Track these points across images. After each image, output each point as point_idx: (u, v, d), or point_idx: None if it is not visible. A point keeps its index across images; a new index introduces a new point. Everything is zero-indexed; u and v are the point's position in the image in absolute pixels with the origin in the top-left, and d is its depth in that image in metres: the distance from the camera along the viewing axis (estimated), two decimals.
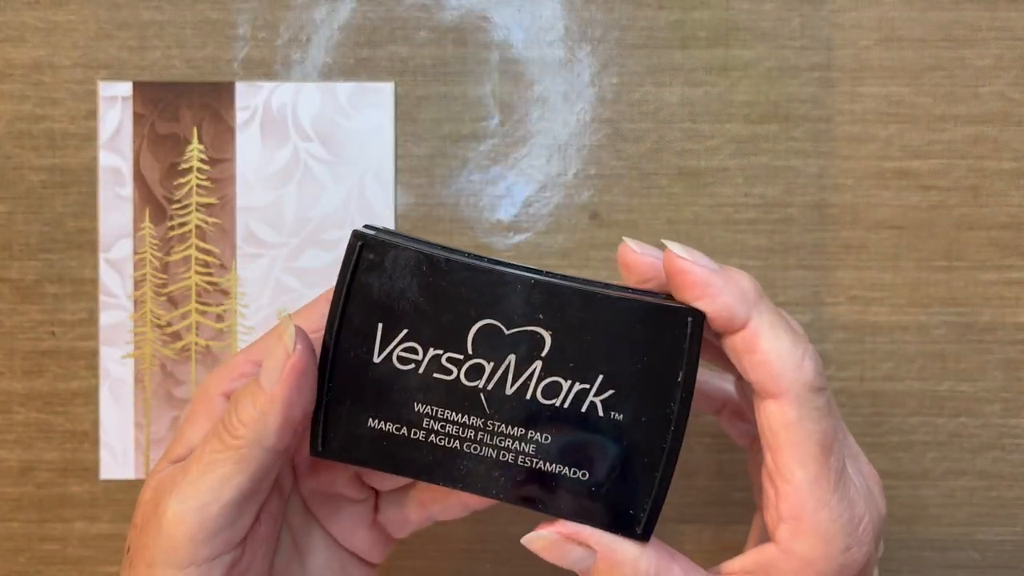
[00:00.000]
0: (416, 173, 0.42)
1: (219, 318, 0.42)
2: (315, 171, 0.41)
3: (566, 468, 0.28)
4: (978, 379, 0.42)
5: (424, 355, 0.28)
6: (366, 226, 0.29)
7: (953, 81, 0.41)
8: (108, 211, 0.42)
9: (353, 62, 0.41)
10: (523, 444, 0.28)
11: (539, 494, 0.28)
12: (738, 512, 0.41)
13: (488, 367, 0.28)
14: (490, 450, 0.28)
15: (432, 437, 0.28)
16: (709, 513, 0.41)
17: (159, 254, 0.42)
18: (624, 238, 0.30)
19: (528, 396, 0.28)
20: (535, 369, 0.28)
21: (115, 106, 0.42)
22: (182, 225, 0.42)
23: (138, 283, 0.42)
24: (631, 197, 0.42)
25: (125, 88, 0.42)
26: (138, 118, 0.42)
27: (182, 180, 0.42)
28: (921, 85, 0.41)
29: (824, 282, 0.42)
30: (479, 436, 0.28)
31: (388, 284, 0.28)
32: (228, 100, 0.41)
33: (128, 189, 0.42)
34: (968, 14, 0.41)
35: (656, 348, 0.27)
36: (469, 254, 0.28)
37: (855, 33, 0.41)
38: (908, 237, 0.41)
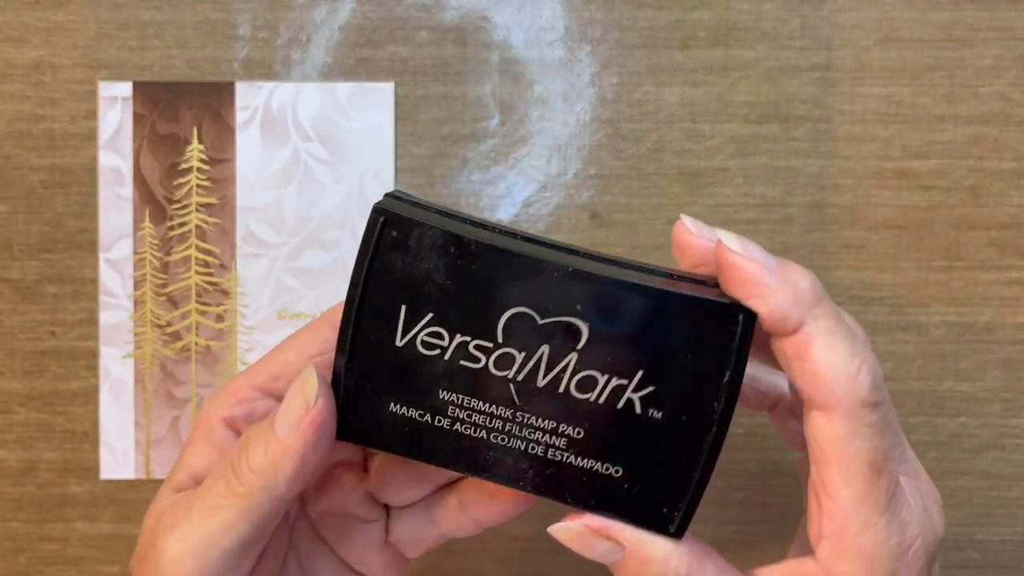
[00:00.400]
0: (416, 173, 0.42)
1: (219, 318, 0.42)
2: (315, 171, 0.41)
3: (598, 464, 0.27)
4: (978, 379, 0.42)
5: (450, 341, 0.26)
6: (390, 194, 0.27)
7: (953, 81, 0.41)
8: (108, 211, 0.42)
9: (353, 62, 0.41)
10: (554, 438, 0.27)
11: (568, 488, 0.27)
12: (738, 512, 0.41)
13: (519, 357, 0.26)
14: (518, 442, 0.27)
15: (457, 426, 0.27)
16: (709, 513, 0.41)
17: (159, 254, 0.42)
18: (682, 215, 0.27)
19: (561, 389, 0.26)
20: (570, 362, 0.26)
21: (115, 106, 0.42)
22: (182, 225, 0.42)
23: (138, 283, 0.42)
24: (631, 197, 0.42)
25: (125, 88, 0.42)
26: (138, 118, 0.42)
27: (182, 180, 0.42)
28: (921, 85, 0.41)
29: (824, 282, 0.41)
30: (507, 427, 0.27)
31: (412, 264, 0.26)
32: (228, 100, 0.41)
33: (128, 189, 0.42)
34: (968, 14, 0.41)
35: (702, 345, 0.26)
36: (502, 229, 0.27)
37: (855, 33, 0.41)
38: (908, 237, 0.41)
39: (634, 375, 0.26)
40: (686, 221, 0.27)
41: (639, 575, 0.27)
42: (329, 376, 0.27)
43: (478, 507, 0.30)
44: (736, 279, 0.25)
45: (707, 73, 0.41)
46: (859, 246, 0.41)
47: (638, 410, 0.26)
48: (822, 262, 0.41)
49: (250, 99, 0.41)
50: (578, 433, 0.27)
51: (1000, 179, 0.41)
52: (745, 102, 0.41)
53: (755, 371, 0.32)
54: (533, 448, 0.27)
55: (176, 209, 0.42)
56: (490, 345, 0.26)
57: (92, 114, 0.42)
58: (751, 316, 0.25)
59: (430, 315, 0.26)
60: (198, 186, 0.42)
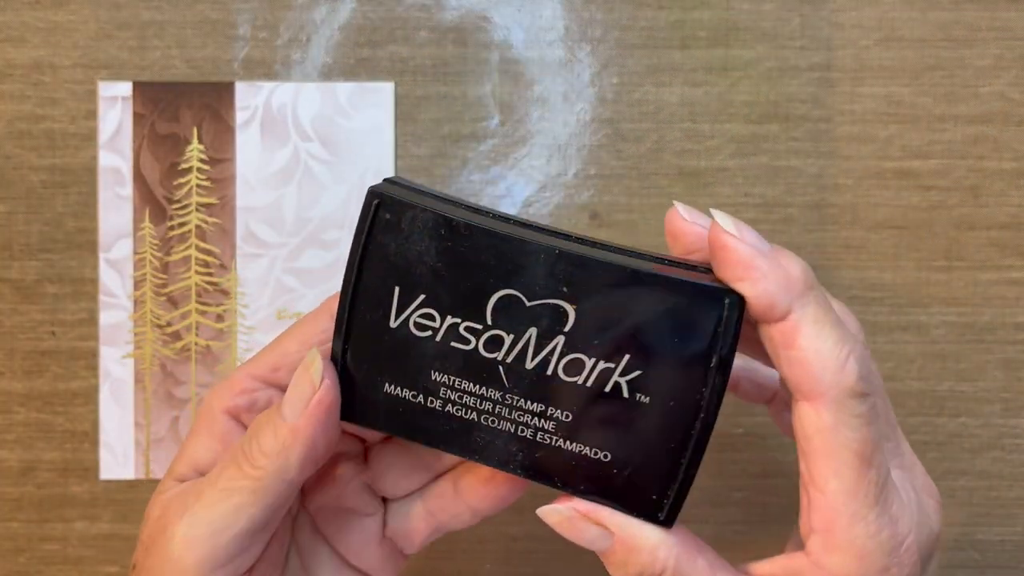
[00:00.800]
0: (416, 173, 0.42)
1: (219, 318, 0.42)
2: (315, 171, 0.41)
3: (587, 448, 0.27)
4: (978, 379, 0.42)
5: (441, 323, 0.27)
6: (388, 179, 0.28)
7: (953, 81, 0.41)
8: (108, 211, 0.42)
9: (353, 62, 0.41)
10: (542, 420, 0.27)
11: (557, 472, 0.27)
12: (738, 512, 0.41)
13: (508, 339, 0.26)
14: (508, 424, 0.27)
15: (449, 407, 0.27)
16: (709, 513, 0.41)
17: (159, 254, 0.42)
18: (675, 202, 0.27)
19: (549, 372, 0.26)
20: (557, 344, 0.26)
21: (115, 106, 0.42)
22: (182, 225, 0.42)
23: (138, 283, 0.42)
24: (631, 197, 0.42)
25: (125, 88, 0.42)
26: (138, 118, 0.42)
27: (182, 180, 0.42)
28: (921, 85, 0.41)
29: (824, 282, 0.41)
30: (497, 409, 0.27)
31: (405, 246, 0.26)
32: (228, 100, 0.41)
33: (128, 189, 0.42)
34: (968, 14, 0.41)
35: (689, 330, 0.25)
36: (495, 214, 0.27)
37: (855, 33, 0.41)
38: (908, 237, 0.41)
39: (621, 359, 0.26)
40: (679, 208, 0.27)
41: (627, 563, 0.27)
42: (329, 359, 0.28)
43: (473, 493, 0.30)
44: (728, 260, 0.25)
45: (707, 73, 0.41)
46: (859, 246, 0.41)
47: (625, 394, 0.26)
48: (822, 262, 0.41)
49: (250, 99, 0.41)
50: (566, 416, 0.27)
51: (1000, 179, 0.41)
52: (745, 102, 0.41)
53: (752, 363, 0.32)
54: (522, 431, 0.27)
55: (176, 209, 0.42)
56: (479, 327, 0.26)
57: (92, 114, 0.42)
58: (739, 300, 0.25)
59: (422, 296, 0.27)
60: (198, 186, 0.42)
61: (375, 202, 0.26)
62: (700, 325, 0.25)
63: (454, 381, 0.27)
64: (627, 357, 0.26)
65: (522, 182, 0.42)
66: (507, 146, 0.42)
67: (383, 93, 0.42)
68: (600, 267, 0.26)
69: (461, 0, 0.42)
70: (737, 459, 0.41)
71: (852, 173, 0.41)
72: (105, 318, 0.42)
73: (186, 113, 0.42)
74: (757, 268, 0.25)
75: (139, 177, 0.42)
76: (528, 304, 0.26)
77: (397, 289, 0.27)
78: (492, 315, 0.26)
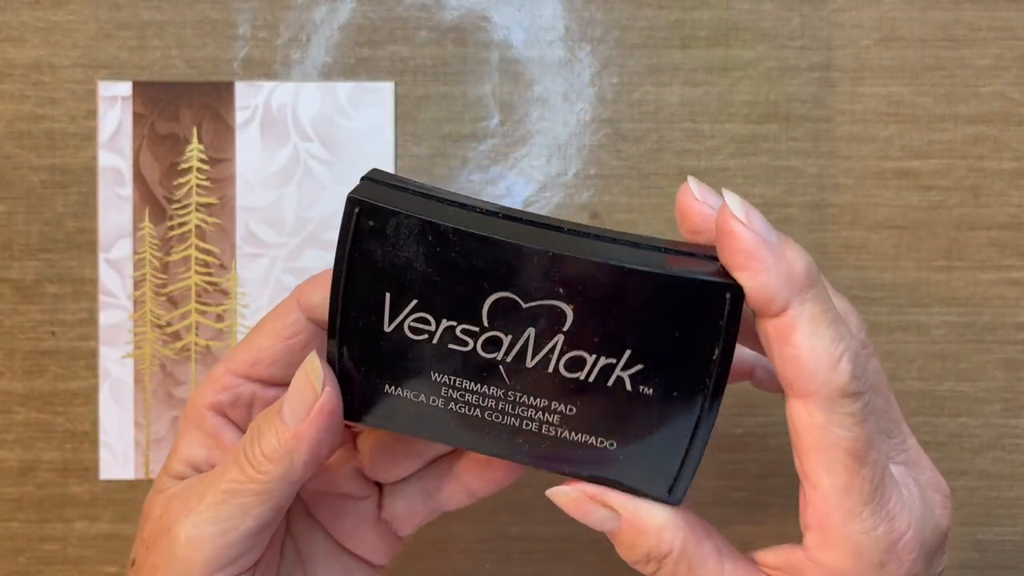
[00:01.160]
0: (416, 173, 0.42)
1: (219, 318, 0.42)
2: (315, 171, 0.41)
3: (592, 438, 0.27)
4: (978, 379, 0.42)
5: (437, 326, 0.26)
6: (367, 176, 0.27)
7: (953, 81, 0.41)
8: (108, 211, 0.42)
9: (353, 62, 0.41)
10: (546, 415, 0.27)
11: (565, 460, 0.27)
12: (738, 512, 0.41)
13: (506, 340, 0.26)
14: (512, 419, 0.27)
15: (452, 405, 0.27)
16: (709, 513, 0.41)
17: (159, 254, 0.42)
18: (689, 177, 0.26)
19: (550, 369, 0.26)
20: (556, 343, 0.26)
21: (115, 106, 0.42)
22: (182, 225, 0.42)
23: (138, 283, 0.42)
24: (631, 197, 0.42)
25: (125, 88, 0.42)
26: (138, 118, 0.42)
27: (182, 180, 0.42)
28: (921, 85, 0.41)
29: None
30: (500, 406, 0.27)
31: (392, 253, 0.26)
32: (228, 100, 0.41)
33: (128, 189, 0.42)
34: (968, 14, 0.41)
35: (689, 324, 0.25)
36: (482, 208, 0.26)
37: (855, 33, 0.41)
38: (908, 237, 0.41)
39: (622, 354, 0.26)
40: (692, 184, 0.26)
41: (635, 545, 0.27)
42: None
43: (471, 475, 0.31)
44: (731, 248, 0.25)
45: (707, 73, 0.41)
46: (859, 246, 0.41)
47: (629, 387, 0.26)
48: (822, 262, 0.41)
49: (250, 99, 0.41)
50: (570, 410, 0.27)
51: (1000, 179, 0.41)
52: (745, 102, 0.41)
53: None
54: (527, 424, 0.27)
55: (176, 209, 0.42)
56: (476, 329, 0.26)
57: (92, 114, 0.42)
58: (739, 293, 0.25)
59: (415, 302, 0.26)
60: (198, 186, 0.42)
61: (356, 210, 0.26)
62: (700, 318, 0.25)
63: (455, 380, 0.27)
64: (628, 352, 0.26)
65: (522, 182, 0.42)
66: (507, 146, 0.42)
67: (383, 93, 0.42)
68: (597, 267, 0.25)
69: (461, 0, 0.42)
70: (737, 459, 0.41)
71: (852, 173, 0.41)
72: (105, 318, 0.42)
73: (186, 113, 0.42)
74: (760, 260, 0.24)
75: (139, 177, 0.42)
76: (525, 306, 0.26)
77: (388, 295, 0.26)
78: (488, 318, 0.26)
